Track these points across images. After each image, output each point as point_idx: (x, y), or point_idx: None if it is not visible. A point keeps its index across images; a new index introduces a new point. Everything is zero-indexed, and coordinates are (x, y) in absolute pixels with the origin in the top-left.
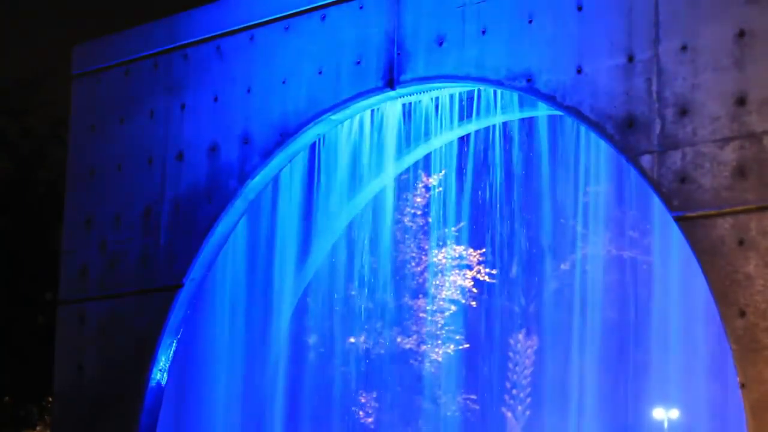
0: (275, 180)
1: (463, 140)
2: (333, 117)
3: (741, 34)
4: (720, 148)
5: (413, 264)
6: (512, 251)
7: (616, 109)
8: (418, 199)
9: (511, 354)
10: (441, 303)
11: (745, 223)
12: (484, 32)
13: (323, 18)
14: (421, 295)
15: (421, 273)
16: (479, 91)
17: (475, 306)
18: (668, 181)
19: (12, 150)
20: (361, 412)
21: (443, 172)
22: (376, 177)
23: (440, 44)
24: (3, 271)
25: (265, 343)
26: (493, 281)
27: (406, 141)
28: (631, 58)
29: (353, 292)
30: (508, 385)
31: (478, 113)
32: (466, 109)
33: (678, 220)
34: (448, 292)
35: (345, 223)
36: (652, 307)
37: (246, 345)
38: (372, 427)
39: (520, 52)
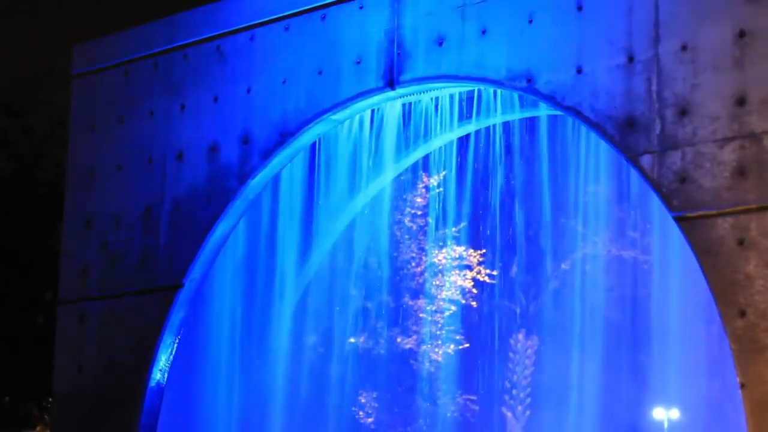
0: (275, 180)
1: (463, 140)
2: (333, 117)
3: (741, 34)
4: (720, 148)
5: (413, 264)
6: (512, 251)
7: (616, 109)
8: (418, 200)
9: (511, 354)
10: (441, 303)
11: (745, 223)
12: (484, 32)
13: (323, 18)
14: (421, 296)
15: (421, 273)
16: (479, 91)
17: (475, 306)
18: (668, 181)
19: (12, 150)
20: (361, 412)
21: (443, 172)
22: (376, 177)
23: (440, 44)
24: (3, 271)
25: (265, 343)
26: (493, 281)
27: (406, 141)
28: (631, 58)
29: (353, 292)
30: (508, 385)
31: (478, 113)
32: (466, 109)
33: (678, 220)
34: (448, 293)
35: (345, 223)
36: (652, 307)
37: (246, 345)
38: (372, 427)
39: (520, 52)
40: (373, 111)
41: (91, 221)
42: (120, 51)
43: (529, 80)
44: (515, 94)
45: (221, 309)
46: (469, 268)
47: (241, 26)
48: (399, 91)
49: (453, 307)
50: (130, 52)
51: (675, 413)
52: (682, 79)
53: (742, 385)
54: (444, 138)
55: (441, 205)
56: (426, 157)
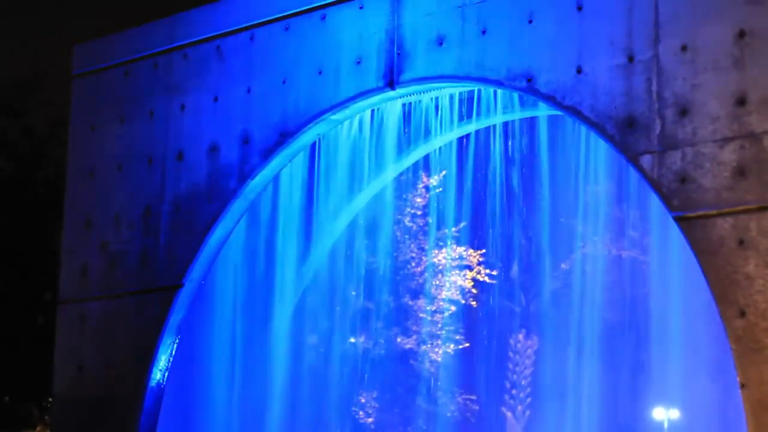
0: (275, 180)
1: (463, 140)
2: (333, 117)
3: (741, 34)
4: (720, 148)
5: (413, 264)
6: (512, 251)
7: (616, 109)
8: (418, 199)
9: (511, 354)
10: (441, 303)
11: (745, 223)
12: (484, 32)
13: (323, 18)
14: (421, 296)
15: (421, 273)
16: (479, 91)
17: (475, 306)
18: (668, 181)
19: (12, 150)
20: (361, 412)
21: (443, 172)
22: (376, 177)
23: (440, 44)
24: (3, 271)
25: (265, 343)
26: (493, 281)
27: (406, 141)
28: (631, 58)
29: (353, 292)
30: (508, 385)
31: (478, 113)
32: (466, 109)
33: (678, 220)
34: (448, 293)
35: (345, 223)
36: (652, 307)
37: (246, 345)
38: (372, 427)
39: (520, 52)
40: (373, 111)
41: (91, 221)
42: (120, 51)
43: (529, 80)
44: (515, 94)
45: (221, 309)
46: (469, 268)
47: (240, 26)
48: (399, 91)
49: (453, 307)
50: (130, 52)
51: (675, 413)
52: (682, 79)
53: (742, 386)
54: (444, 138)
55: (441, 205)
56: (426, 157)
